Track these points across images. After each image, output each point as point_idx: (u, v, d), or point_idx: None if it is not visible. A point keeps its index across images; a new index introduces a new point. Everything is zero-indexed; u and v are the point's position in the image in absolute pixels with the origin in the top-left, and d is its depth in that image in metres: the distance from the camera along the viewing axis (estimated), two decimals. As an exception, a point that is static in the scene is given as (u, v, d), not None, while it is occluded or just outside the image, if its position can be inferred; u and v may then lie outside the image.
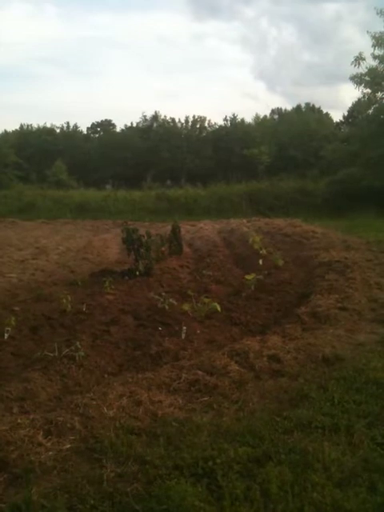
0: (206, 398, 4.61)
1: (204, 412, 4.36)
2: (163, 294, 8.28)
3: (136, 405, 4.43)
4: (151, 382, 4.91)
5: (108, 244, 16.21)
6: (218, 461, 3.51)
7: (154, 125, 51.31)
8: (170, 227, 13.81)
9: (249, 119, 51.59)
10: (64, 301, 7.72)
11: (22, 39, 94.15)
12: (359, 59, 23.20)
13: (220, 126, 50.20)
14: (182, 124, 50.66)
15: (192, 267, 11.78)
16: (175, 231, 13.28)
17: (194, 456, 3.58)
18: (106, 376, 5.36)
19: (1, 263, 12.45)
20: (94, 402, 4.41)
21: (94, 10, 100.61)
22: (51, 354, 5.60)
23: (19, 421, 4.08)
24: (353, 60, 23.31)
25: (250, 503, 3.10)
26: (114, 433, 3.94)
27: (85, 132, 54.98)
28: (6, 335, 6.29)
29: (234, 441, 3.80)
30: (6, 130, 49.21)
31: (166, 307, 7.59)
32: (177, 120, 50.79)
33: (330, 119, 49.58)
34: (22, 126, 51.91)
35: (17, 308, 7.70)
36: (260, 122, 49.78)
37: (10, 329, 6.41)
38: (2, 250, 14.49)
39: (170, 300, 7.75)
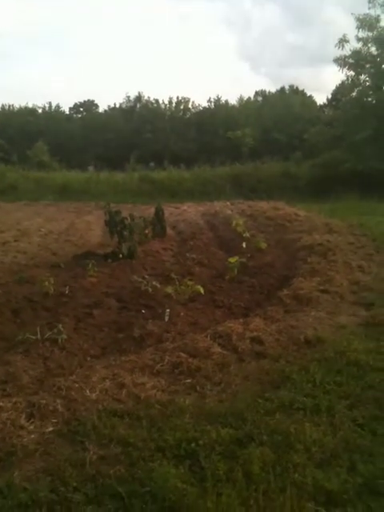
0: (188, 380, 4.64)
1: (187, 394, 4.39)
2: (146, 276, 8.26)
3: (119, 387, 4.45)
4: (134, 364, 4.93)
5: (91, 226, 16.06)
6: (201, 442, 3.55)
7: (138, 106, 50.70)
8: (153, 210, 13.72)
9: (233, 101, 51.28)
10: (46, 283, 7.64)
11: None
12: (343, 41, 23.11)
13: (204, 108, 49.79)
14: (166, 105, 50.13)
15: (175, 250, 11.75)
16: (158, 214, 13.20)
17: (176, 438, 3.62)
18: (88, 359, 5.34)
19: (-18, 245, 12.27)
20: (77, 385, 4.42)
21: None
22: (33, 337, 5.56)
23: (1, 404, 4.08)
24: (337, 42, 23.24)
25: (233, 484, 3.15)
26: (96, 415, 3.96)
27: (67, 112, 54.09)
28: (-13, 318, 6.22)
29: (216, 422, 3.84)
30: (-14, 110, 48.21)
31: (149, 290, 7.57)
32: (160, 101, 50.29)
33: (314, 102, 49.37)
34: (2, 107, 50.89)
35: (-2, 290, 7.60)
36: (244, 104, 49.49)
37: (-9, 311, 6.34)
38: (-18, 233, 14.28)
39: (154, 283, 7.73)
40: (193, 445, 3.53)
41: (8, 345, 5.72)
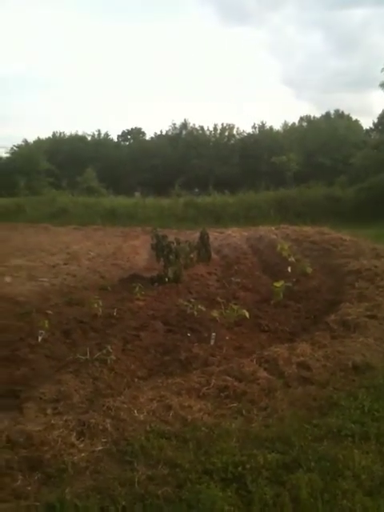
0: (235, 404, 4.64)
1: (233, 418, 4.39)
2: (192, 300, 8.34)
3: (166, 409, 4.49)
4: (181, 387, 4.97)
5: (137, 250, 16.39)
6: (248, 466, 3.55)
7: (183, 133, 51.69)
8: (197, 234, 13.89)
9: (277, 127, 51.55)
10: (95, 305, 7.86)
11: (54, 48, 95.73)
12: (388, 66, 23.01)
13: (248, 134, 50.27)
14: (211, 132, 50.93)
15: (220, 274, 11.82)
16: (204, 238, 13.35)
17: (223, 461, 3.62)
18: (136, 380, 5.44)
19: (34, 268, 12.72)
20: (125, 406, 4.49)
21: (119, 16, 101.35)
22: (83, 357, 5.72)
23: (53, 422, 4.19)
24: (383, 66, 23.14)
25: (280, 509, 3.14)
26: (144, 436, 4.01)
27: (115, 139, 55.76)
28: (39, 338, 6.44)
29: (263, 447, 3.84)
30: (39, 137, 50.30)
31: (195, 313, 7.65)
32: (205, 128, 51.13)
33: (360, 126, 49.12)
34: (54, 134, 53.00)
35: (49, 312, 7.84)
36: (288, 129, 49.64)
37: (43, 332, 6.56)
38: (34, 255, 14.81)
39: (199, 306, 7.81)
40: (240, 468, 3.53)
41: (59, 364, 5.90)
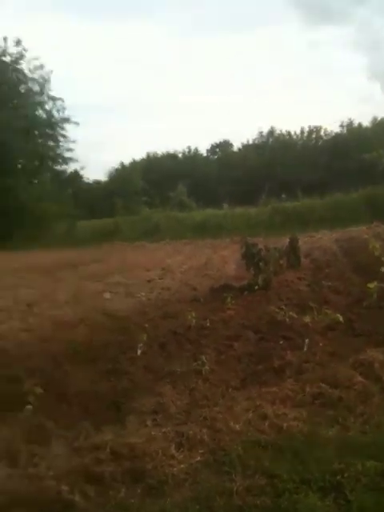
0: (330, 412, 4.59)
1: (329, 425, 4.34)
2: (283, 306, 8.29)
3: (261, 418, 4.53)
4: (275, 395, 4.98)
5: (226, 260, 16.54)
6: (346, 474, 3.50)
7: (270, 140, 51.49)
8: (286, 241, 13.77)
9: (366, 123, 49.70)
10: (189, 317, 8.07)
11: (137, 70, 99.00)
12: None
13: (336, 134, 48.99)
14: (298, 135, 50.30)
15: (310, 279, 11.61)
16: (293, 244, 13.22)
17: (321, 470, 3.60)
18: (230, 390, 5.51)
19: (132, 284, 13.29)
20: (221, 416, 4.59)
21: (200, 29, 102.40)
22: (179, 369, 5.91)
23: (153, 433, 4.38)
24: None
25: (380, 517, 3.07)
26: (241, 446, 4.06)
27: (205, 154, 56.82)
28: (138, 351, 6.75)
29: (360, 454, 3.75)
30: (134, 159, 52.31)
31: (287, 320, 7.60)
32: (292, 132, 50.58)
33: None
34: (148, 154, 55.01)
35: (146, 325, 8.18)
36: (377, 124, 47.65)
37: (142, 345, 6.86)
38: (132, 272, 15.47)
39: (290, 313, 7.75)
40: (338, 477, 3.49)
41: (156, 376, 6.12)
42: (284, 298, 9.69)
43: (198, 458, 3.99)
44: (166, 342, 7.46)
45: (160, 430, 4.47)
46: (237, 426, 4.41)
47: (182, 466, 3.91)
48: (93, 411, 5.15)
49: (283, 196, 31.95)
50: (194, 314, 8.19)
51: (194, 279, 13.52)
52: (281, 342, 6.87)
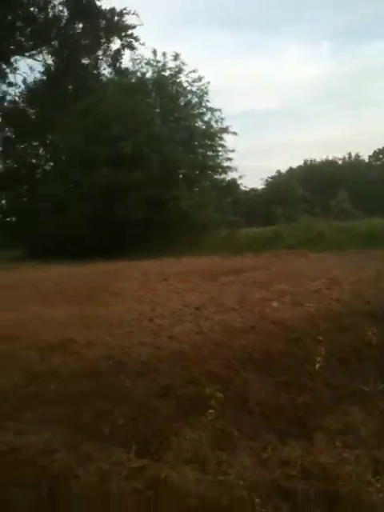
0: None
1: None
2: None
3: None
4: None
5: (404, 273, 15.29)
6: None
7: None
8: None
9: None
10: (369, 333, 7.49)
11: (299, 81, 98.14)
12: None
13: None
14: None
15: None
16: None
17: None
18: None
19: (297, 293, 12.88)
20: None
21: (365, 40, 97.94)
22: (366, 389, 5.46)
23: (345, 455, 4.06)
24: None
25: None
26: None
27: (367, 160, 54.42)
28: (317, 365, 6.39)
29: None
30: (291, 167, 52.13)
31: None
32: None
33: None
34: (305, 162, 54.30)
35: (320, 338, 7.76)
36: None
37: (320, 359, 6.49)
38: (296, 280, 15.03)
39: None
40: None
41: (337, 394, 5.72)
42: None
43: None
44: (344, 357, 6.99)
45: (352, 452, 4.13)
46: None
47: (380, 494, 3.55)
48: (275, 423, 4.94)
49: None
50: (374, 330, 7.59)
51: (366, 292, 12.65)
52: None
